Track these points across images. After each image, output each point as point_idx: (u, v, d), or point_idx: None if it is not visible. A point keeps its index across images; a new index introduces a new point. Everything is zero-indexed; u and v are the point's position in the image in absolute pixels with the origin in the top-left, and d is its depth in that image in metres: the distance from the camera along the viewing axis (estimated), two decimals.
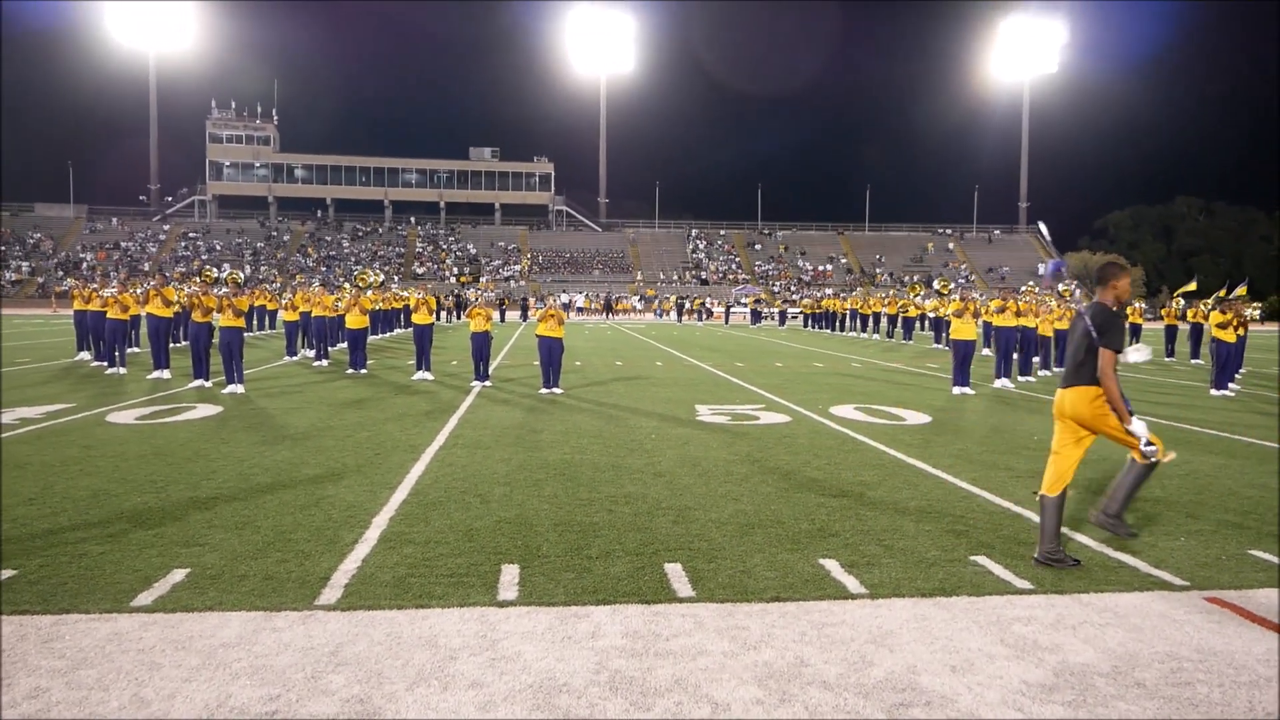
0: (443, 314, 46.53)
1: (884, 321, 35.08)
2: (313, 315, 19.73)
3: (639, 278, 78.42)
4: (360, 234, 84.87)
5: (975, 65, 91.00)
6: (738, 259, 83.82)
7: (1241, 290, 19.82)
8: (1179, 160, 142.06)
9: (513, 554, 5.27)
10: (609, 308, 62.45)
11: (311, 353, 19.77)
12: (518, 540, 5.56)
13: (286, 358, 19.91)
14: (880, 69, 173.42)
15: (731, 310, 57.35)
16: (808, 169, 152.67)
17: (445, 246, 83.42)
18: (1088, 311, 5.26)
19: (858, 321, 38.22)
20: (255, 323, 30.41)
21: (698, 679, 3.65)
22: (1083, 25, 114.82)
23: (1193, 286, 25.20)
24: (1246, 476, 7.98)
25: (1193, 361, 22.38)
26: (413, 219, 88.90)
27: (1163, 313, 26.44)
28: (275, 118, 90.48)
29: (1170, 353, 24.31)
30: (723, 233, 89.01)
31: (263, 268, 74.29)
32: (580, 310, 63.26)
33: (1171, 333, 24.87)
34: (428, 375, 15.90)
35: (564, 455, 8.47)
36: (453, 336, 30.50)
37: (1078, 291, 56.50)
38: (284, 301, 22.69)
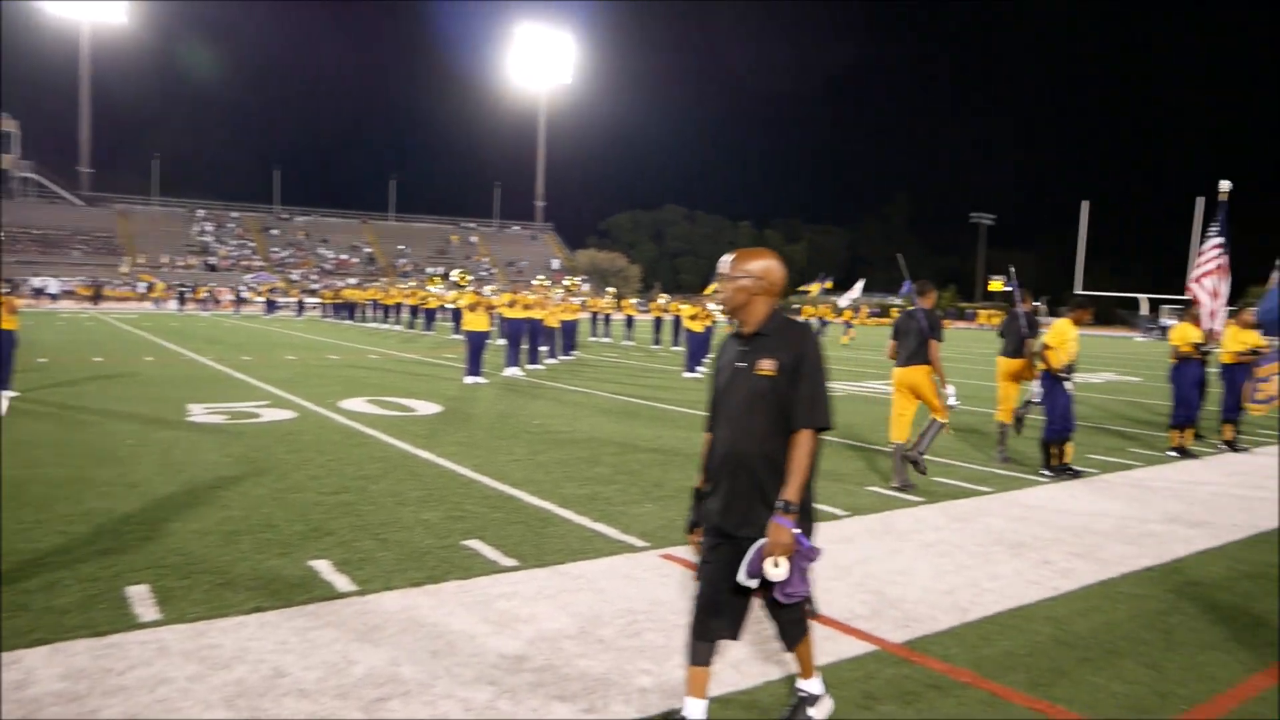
0: None
1: (405, 312, 35.10)
2: None
3: (131, 261, 69.30)
4: None
5: (499, 69, 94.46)
6: (252, 244, 78.09)
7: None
8: (667, 171, 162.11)
9: None
10: (99, 295, 54.48)
11: None
12: None
13: None
14: (410, 62, 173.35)
15: (243, 299, 53.21)
16: (331, 155, 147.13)
17: None
18: None
19: (379, 312, 37.82)
20: None
21: (153, 712, 3.27)
22: (591, 41, 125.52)
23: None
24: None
25: (673, 348, 25.64)
26: None
27: (651, 307, 29.96)
28: None
29: (656, 341, 27.68)
30: (235, 215, 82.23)
31: None
32: (54, 297, 54.10)
33: (658, 324, 28.31)
34: None
35: (9, 472, 7.12)
36: None
37: (585, 286, 61.68)
38: None
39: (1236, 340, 10.56)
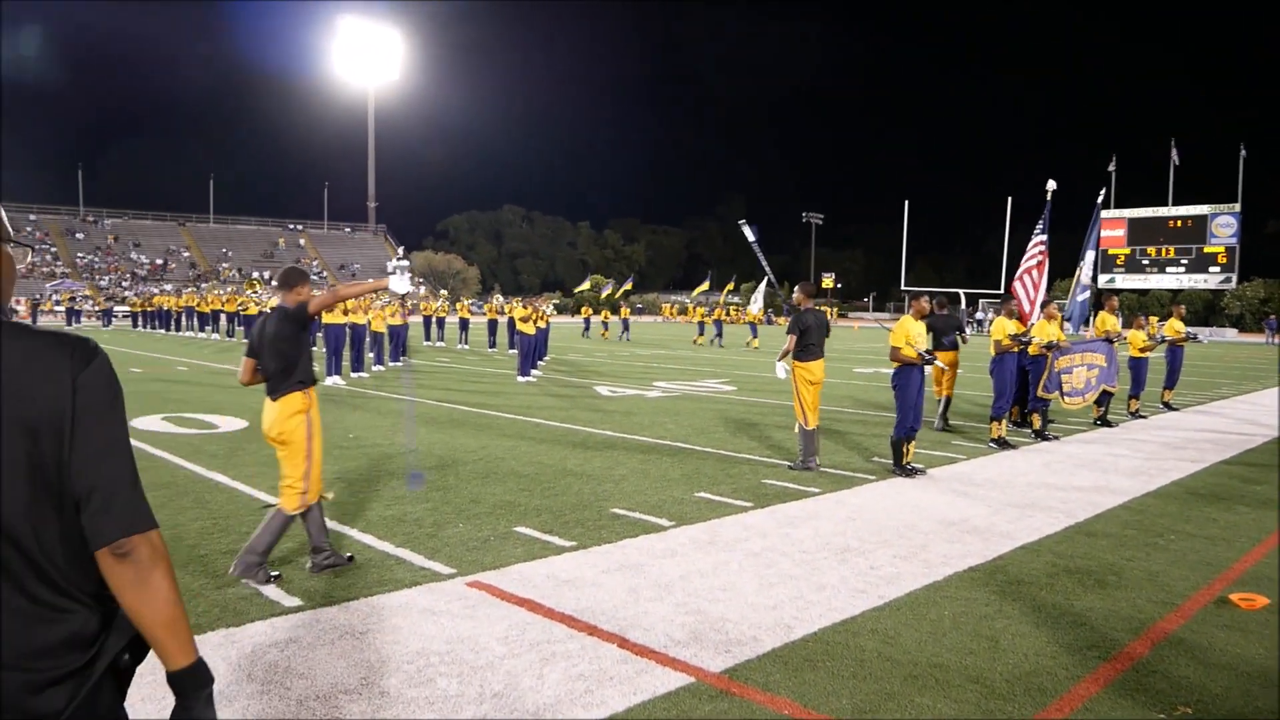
0: None
1: (223, 320, 32.85)
2: None
3: None
4: None
5: (322, 64, 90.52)
6: (54, 249, 71.74)
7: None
8: (504, 172, 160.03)
9: None
10: None
11: None
12: None
13: None
14: (224, 53, 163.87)
15: (40, 309, 48.67)
16: (140, 154, 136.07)
17: None
18: None
19: (195, 320, 35.28)
20: None
21: None
22: (420, 38, 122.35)
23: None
24: (529, 455, 8.80)
25: (509, 351, 25.00)
26: None
27: (486, 309, 29.16)
28: None
29: (492, 344, 26.93)
30: (33, 218, 75.31)
31: None
32: None
33: (493, 326, 27.60)
34: None
35: None
36: None
37: (423, 289, 59.89)
38: None
39: (1043, 333, 10.97)
